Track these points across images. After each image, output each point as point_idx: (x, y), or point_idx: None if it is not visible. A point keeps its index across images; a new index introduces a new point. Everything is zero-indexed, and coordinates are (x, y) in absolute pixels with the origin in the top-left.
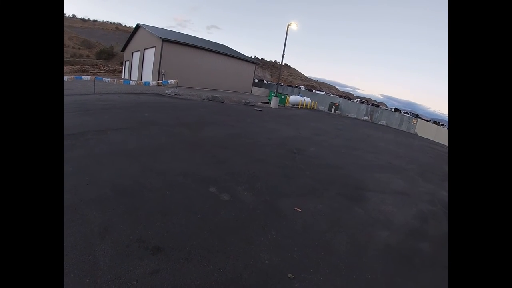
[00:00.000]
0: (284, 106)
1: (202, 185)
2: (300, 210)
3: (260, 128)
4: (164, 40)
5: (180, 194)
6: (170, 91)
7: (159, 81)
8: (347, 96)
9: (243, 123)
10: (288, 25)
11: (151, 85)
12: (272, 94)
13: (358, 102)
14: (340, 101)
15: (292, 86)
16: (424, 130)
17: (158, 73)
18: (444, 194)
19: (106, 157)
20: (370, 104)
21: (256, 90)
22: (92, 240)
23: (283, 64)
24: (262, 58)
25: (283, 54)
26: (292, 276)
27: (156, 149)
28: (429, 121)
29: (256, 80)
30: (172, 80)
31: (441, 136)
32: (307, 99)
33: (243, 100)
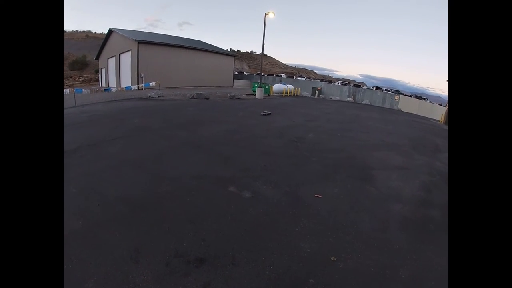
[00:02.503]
0: (269, 95)
1: (220, 186)
2: (320, 197)
3: (254, 121)
4: (140, 42)
5: (201, 198)
6: (153, 93)
7: (140, 85)
8: (328, 79)
9: (236, 117)
10: (266, 14)
11: (132, 89)
12: (256, 85)
13: (339, 84)
14: (322, 85)
15: (273, 75)
16: (407, 105)
17: (137, 76)
18: (439, 164)
19: (108, 171)
20: (352, 85)
21: (237, 83)
22: (126, 267)
23: (259, 53)
24: (238, 50)
25: (263, 44)
26: (335, 258)
27: (158, 155)
28: (411, 96)
29: (236, 73)
30: (153, 82)
31: (424, 109)
32: (290, 87)
33: (228, 95)
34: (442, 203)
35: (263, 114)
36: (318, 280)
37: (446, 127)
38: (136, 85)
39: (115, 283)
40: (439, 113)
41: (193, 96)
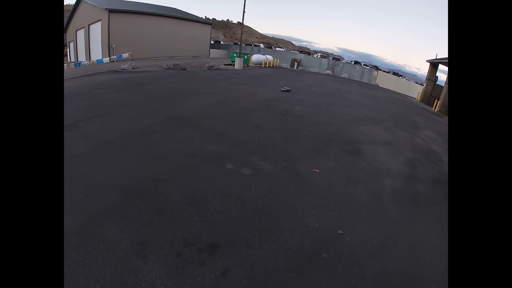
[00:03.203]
0: (247, 66)
1: (217, 163)
2: (318, 171)
3: (238, 93)
4: (111, 11)
5: (199, 179)
6: (126, 65)
7: (112, 57)
8: (307, 51)
9: (218, 89)
10: None
11: (104, 62)
12: (235, 55)
13: (319, 56)
14: (301, 56)
15: (251, 45)
16: (385, 81)
17: (108, 48)
18: (419, 141)
19: (91, 155)
20: (331, 58)
21: (214, 52)
22: (133, 265)
23: (236, 22)
24: (213, 18)
25: (244, 12)
26: (342, 232)
27: (144, 133)
28: (389, 73)
29: (212, 42)
30: (126, 54)
31: (401, 86)
32: (270, 57)
33: (206, 65)
34: (427, 178)
35: (283, 91)
36: (331, 254)
37: (422, 105)
38: (108, 58)
39: (126, 285)
40: (416, 91)
41: (169, 67)
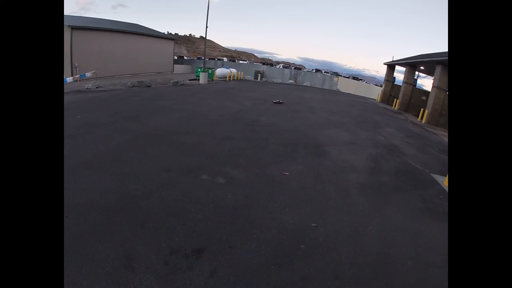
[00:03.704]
0: (212, 80)
1: (192, 175)
2: (287, 174)
3: (206, 107)
4: (74, 28)
5: (177, 191)
6: (90, 85)
7: (75, 76)
8: (269, 63)
9: (185, 104)
10: None
11: (68, 82)
12: (199, 70)
13: (281, 67)
14: (264, 68)
15: (214, 59)
16: (345, 86)
17: (71, 67)
18: (381, 138)
19: (66, 177)
20: (293, 67)
21: (178, 68)
22: (123, 278)
23: (199, 37)
24: (176, 33)
25: (207, 27)
26: (315, 224)
27: (117, 152)
28: (349, 78)
29: (176, 58)
30: (90, 72)
31: (361, 90)
32: (233, 70)
33: (171, 81)
34: (389, 170)
35: (275, 102)
36: (308, 244)
37: (382, 105)
38: (71, 77)
39: None
40: (375, 93)
41: (134, 85)
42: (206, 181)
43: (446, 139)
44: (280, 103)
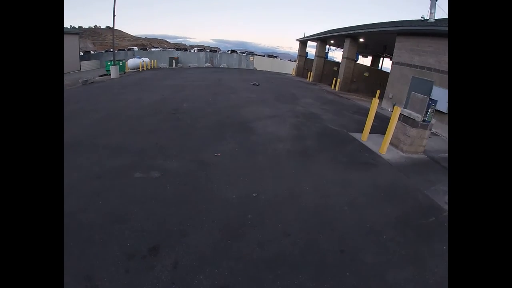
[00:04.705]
0: (124, 73)
1: (125, 176)
2: (220, 154)
3: (122, 103)
4: None
5: (114, 195)
6: None
7: None
8: (183, 48)
9: (99, 104)
10: None
11: None
12: (109, 63)
13: (196, 51)
14: (178, 54)
15: (124, 50)
16: (261, 64)
17: None
18: (299, 108)
19: None
20: (208, 50)
21: (86, 65)
22: None
23: (105, 27)
24: (79, 26)
25: (114, 15)
26: (256, 194)
27: None
28: (264, 56)
29: (82, 54)
30: None
31: (277, 66)
32: (146, 60)
33: (79, 80)
34: (311, 135)
35: (253, 84)
36: (254, 213)
37: (298, 78)
38: None
39: None
40: (290, 68)
41: None
42: (140, 178)
43: (359, 103)
44: (257, 85)
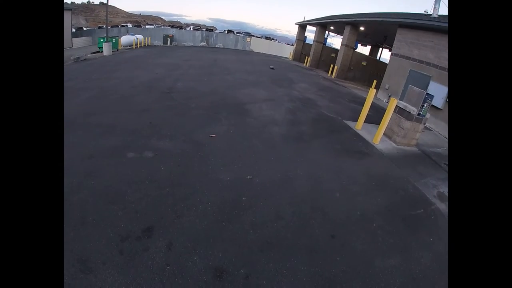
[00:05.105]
0: (117, 50)
1: (118, 156)
2: (214, 136)
3: (115, 80)
4: None
5: (106, 176)
6: None
7: None
8: (178, 25)
9: (91, 81)
10: None
11: None
12: (102, 40)
13: (191, 29)
14: (173, 31)
15: (118, 26)
16: (258, 46)
17: None
18: (295, 93)
19: None
20: (204, 29)
21: (78, 42)
22: (84, 282)
23: (98, 3)
24: (72, 2)
25: None
26: (250, 177)
27: None
28: (261, 38)
29: (74, 30)
30: None
31: (274, 49)
32: (140, 37)
33: (71, 57)
34: (306, 120)
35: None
36: (248, 196)
37: (295, 63)
38: None
39: None
40: (288, 52)
41: None
42: (134, 158)
43: (355, 91)
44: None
